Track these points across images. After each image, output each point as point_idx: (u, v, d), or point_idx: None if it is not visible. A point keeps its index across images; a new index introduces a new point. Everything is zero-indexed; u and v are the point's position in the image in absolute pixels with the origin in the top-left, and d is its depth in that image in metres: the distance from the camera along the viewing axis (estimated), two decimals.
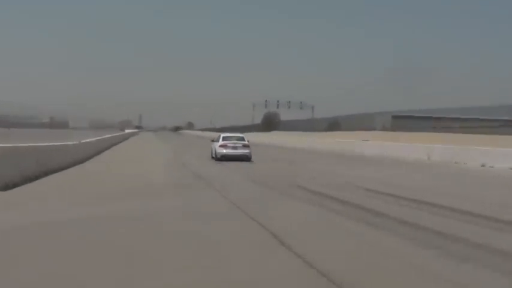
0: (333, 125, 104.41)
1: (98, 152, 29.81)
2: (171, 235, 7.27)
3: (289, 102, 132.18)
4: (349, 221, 8.43)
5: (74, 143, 23.05)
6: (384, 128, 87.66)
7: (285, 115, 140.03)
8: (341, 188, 13.46)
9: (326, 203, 10.63)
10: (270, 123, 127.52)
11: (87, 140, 28.06)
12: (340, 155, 33.81)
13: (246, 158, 25.85)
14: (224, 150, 25.91)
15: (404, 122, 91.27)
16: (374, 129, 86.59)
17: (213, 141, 28.39)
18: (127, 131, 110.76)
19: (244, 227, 7.93)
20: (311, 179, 15.98)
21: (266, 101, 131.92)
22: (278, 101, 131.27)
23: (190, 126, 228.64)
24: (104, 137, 39.16)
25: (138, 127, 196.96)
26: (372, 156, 32.20)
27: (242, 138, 27.24)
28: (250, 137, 73.33)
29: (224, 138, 26.80)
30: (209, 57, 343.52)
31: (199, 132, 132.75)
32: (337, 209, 9.73)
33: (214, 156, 26.93)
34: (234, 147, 26.05)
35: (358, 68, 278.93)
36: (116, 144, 45.78)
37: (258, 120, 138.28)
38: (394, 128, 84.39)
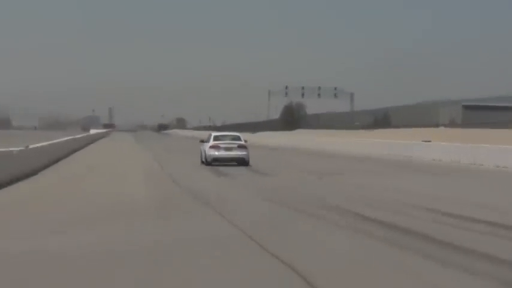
0: (381, 119, 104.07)
1: (53, 162, 29.89)
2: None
3: (319, 88, 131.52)
4: (424, 262, 8.06)
5: (20, 148, 23.07)
6: (452, 123, 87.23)
7: (313, 107, 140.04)
8: (398, 210, 13.31)
9: (379, 233, 10.33)
10: (292, 119, 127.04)
11: (38, 145, 28.12)
12: (393, 163, 33.89)
13: (242, 161, 28.39)
14: (216, 153, 28.44)
15: (479, 114, 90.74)
16: (437, 125, 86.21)
17: (202, 141, 30.91)
18: (93, 131, 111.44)
19: (261, 267, 7.73)
20: (352, 197, 15.92)
21: (286, 87, 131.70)
22: (303, 88, 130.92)
23: (180, 123, 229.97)
24: (58, 140, 39.23)
25: (108, 125, 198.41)
26: (437, 164, 32.27)
27: (238, 138, 29.89)
28: (264, 138, 73.27)
29: (216, 138, 29.30)
30: (207, 28, 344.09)
31: (193, 133, 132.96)
32: (405, 245, 9.38)
33: (204, 160, 29.42)
34: (228, 149, 28.58)
35: (413, 42, 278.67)
36: (77, 150, 45.94)
37: (275, 114, 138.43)
38: (465, 123, 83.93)
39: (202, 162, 29.50)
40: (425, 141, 42.85)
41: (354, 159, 37.36)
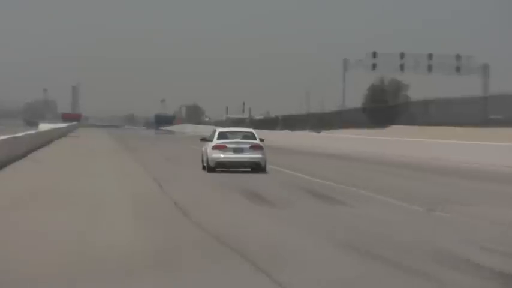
0: None
1: None
2: None
3: (430, 57, 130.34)
4: None
5: None
6: None
7: (419, 87, 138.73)
8: None
9: None
10: (383, 107, 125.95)
11: None
12: None
13: (256, 166, 34.68)
14: (221, 155, 33.87)
15: None
16: None
17: (204, 140, 36.71)
18: (44, 126, 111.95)
19: None
20: (494, 244, 16.08)
21: (375, 54, 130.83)
22: (403, 55, 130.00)
23: (194, 115, 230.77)
24: None
25: (70, 116, 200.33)
26: None
27: (251, 136, 35.46)
28: (334, 140, 73.21)
29: (221, 135, 34.73)
30: None
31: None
32: None
33: (205, 164, 34.88)
34: (237, 150, 33.82)
35: None
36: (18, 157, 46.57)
37: (354, 100, 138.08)
38: None
39: (204, 167, 35.22)
40: None
41: (489, 177, 37.47)
